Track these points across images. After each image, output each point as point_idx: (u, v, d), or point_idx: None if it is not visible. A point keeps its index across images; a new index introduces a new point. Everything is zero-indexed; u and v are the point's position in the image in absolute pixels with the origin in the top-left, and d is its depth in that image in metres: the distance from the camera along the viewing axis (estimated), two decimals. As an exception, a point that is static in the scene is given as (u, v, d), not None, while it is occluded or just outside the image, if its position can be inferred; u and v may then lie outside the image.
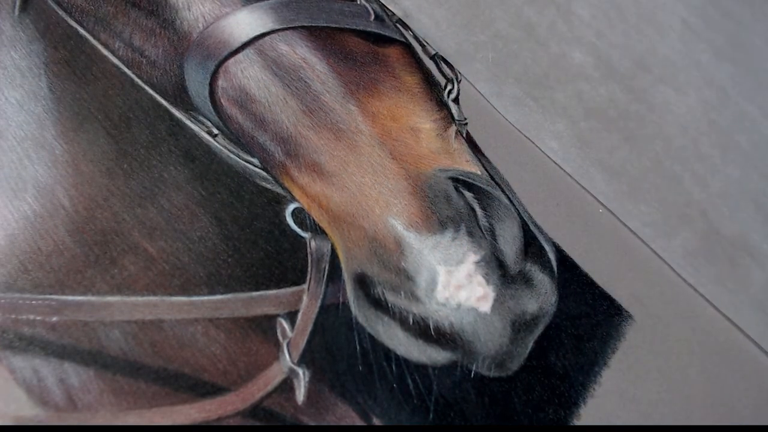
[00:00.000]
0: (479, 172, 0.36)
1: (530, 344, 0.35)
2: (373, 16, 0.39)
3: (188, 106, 0.37)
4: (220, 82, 0.36)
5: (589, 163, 0.38)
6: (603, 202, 0.37)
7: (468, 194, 0.35)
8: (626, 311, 0.36)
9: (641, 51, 0.41)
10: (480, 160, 0.37)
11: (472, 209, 0.35)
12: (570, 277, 0.36)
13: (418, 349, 0.34)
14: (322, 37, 0.36)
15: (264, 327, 0.35)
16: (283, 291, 0.35)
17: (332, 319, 0.35)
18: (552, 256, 0.36)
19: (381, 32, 0.38)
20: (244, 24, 0.35)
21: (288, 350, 0.34)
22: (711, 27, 0.42)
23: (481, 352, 0.34)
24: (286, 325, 0.35)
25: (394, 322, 0.34)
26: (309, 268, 0.35)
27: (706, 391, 0.35)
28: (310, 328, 0.35)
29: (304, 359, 0.34)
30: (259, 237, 0.36)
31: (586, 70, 0.40)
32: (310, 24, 0.36)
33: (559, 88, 0.39)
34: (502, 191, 0.36)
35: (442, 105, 0.38)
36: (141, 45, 0.37)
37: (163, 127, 0.37)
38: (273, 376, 0.34)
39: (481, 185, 0.36)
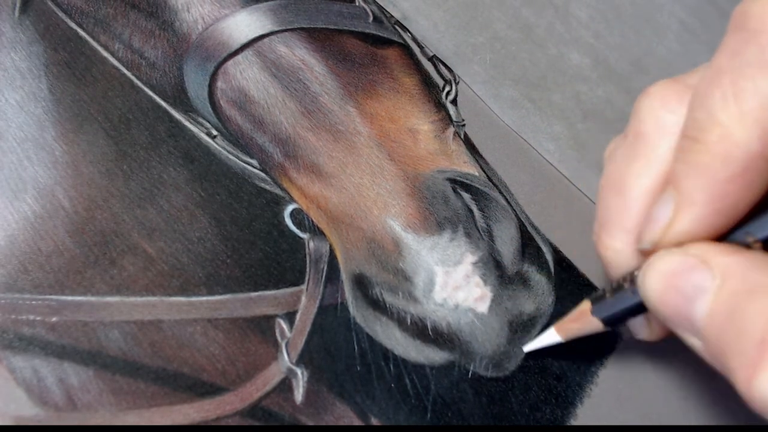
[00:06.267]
0: (477, 174, 0.37)
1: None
2: (371, 18, 0.39)
3: (187, 108, 0.37)
4: (219, 84, 0.36)
5: (585, 165, 0.39)
6: (600, 204, 0.37)
7: (466, 195, 0.35)
8: (623, 311, 0.36)
9: (639, 52, 0.41)
10: (478, 162, 0.38)
11: (470, 210, 0.35)
12: (567, 277, 0.36)
13: (415, 349, 0.34)
14: (321, 38, 0.37)
15: (263, 327, 0.35)
16: (281, 291, 0.35)
17: (331, 319, 0.35)
18: (549, 257, 0.36)
19: (379, 34, 0.38)
20: (243, 26, 0.35)
21: (286, 350, 0.34)
22: (709, 28, 0.42)
23: (478, 352, 0.34)
24: (284, 325, 0.35)
25: (392, 322, 0.34)
26: (307, 269, 0.35)
27: (703, 391, 0.35)
28: (308, 328, 0.35)
29: (303, 359, 0.34)
30: (257, 238, 0.36)
31: (584, 72, 0.40)
32: (308, 26, 0.36)
33: (556, 90, 0.40)
34: (500, 192, 0.37)
35: (440, 106, 0.38)
36: (140, 46, 0.37)
37: (163, 129, 0.37)
38: (271, 376, 0.34)
39: (479, 186, 0.36)
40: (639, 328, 0.31)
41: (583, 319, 0.31)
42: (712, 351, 0.24)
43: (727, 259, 0.23)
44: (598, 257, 0.30)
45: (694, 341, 0.25)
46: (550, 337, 0.32)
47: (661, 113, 0.27)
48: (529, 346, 0.34)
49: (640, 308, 0.28)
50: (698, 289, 0.23)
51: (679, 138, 0.25)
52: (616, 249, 0.29)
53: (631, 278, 0.28)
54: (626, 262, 0.29)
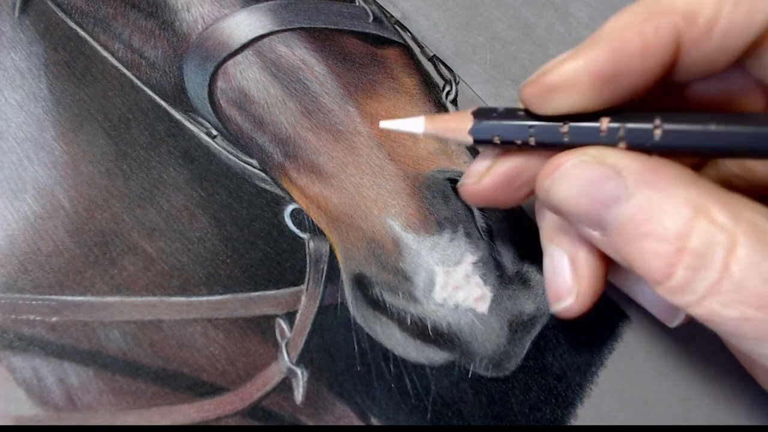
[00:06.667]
0: (477, 174, 0.36)
1: (527, 344, 0.35)
2: (371, 18, 0.39)
3: (187, 108, 0.37)
4: (219, 84, 0.36)
5: (586, 165, 0.38)
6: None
7: (466, 195, 0.35)
8: (623, 311, 0.36)
9: (639, 52, 0.41)
10: (478, 162, 0.37)
11: (470, 210, 0.35)
12: (567, 277, 0.35)
13: (416, 349, 0.34)
14: (321, 38, 0.37)
15: (263, 327, 0.35)
16: (281, 291, 0.35)
17: (330, 319, 0.35)
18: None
19: (379, 34, 0.38)
20: (243, 25, 0.35)
21: (286, 350, 0.34)
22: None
23: (478, 352, 0.34)
24: (284, 325, 0.35)
25: (392, 322, 0.34)
26: (307, 269, 0.35)
27: (702, 392, 0.35)
28: (308, 328, 0.35)
29: (303, 359, 0.34)
30: (257, 238, 0.36)
31: (584, 72, 0.40)
32: (308, 25, 0.36)
33: (556, 90, 0.39)
34: (500, 192, 0.36)
35: (440, 106, 0.38)
36: (140, 46, 0.37)
37: (163, 129, 0.37)
38: (271, 376, 0.34)
39: (479, 186, 0.36)
40: (474, 170, 0.30)
41: (458, 121, 0.28)
42: (621, 248, 0.25)
43: (637, 167, 0.24)
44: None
45: (593, 234, 0.26)
46: (415, 125, 0.29)
47: None
48: (386, 124, 0.30)
49: (515, 144, 0.27)
50: (613, 196, 0.24)
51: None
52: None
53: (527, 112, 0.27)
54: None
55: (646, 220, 0.24)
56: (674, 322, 0.31)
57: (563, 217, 0.27)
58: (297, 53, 0.35)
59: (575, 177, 0.25)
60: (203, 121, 0.37)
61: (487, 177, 0.30)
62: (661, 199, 0.24)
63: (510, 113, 0.27)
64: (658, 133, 0.24)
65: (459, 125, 0.28)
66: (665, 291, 0.24)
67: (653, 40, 0.24)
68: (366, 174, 0.34)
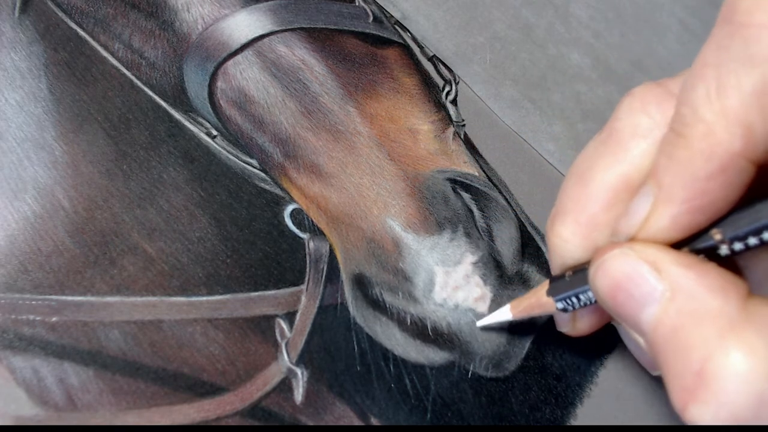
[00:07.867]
0: (477, 174, 0.37)
1: (527, 344, 0.35)
2: (371, 18, 0.39)
3: (187, 108, 0.37)
4: (219, 84, 0.36)
5: (586, 165, 0.38)
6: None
7: (466, 195, 0.35)
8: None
9: (639, 52, 0.41)
10: (478, 162, 0.38)
11: (470, 210, 0.35)
12: (567, 277, 0.35)
13: (415, 349, 0.34)
14: (321, 38, 0.37)
15: (263, 327, 0.35)
16: (281, 291, 0.35)
17: (330, 319, 0.35)
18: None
19: (379, 34, 0.38)
20: (243, 26, 0.35)
21: (286, 350, 0.34)
22: (709, 28, 0.42)
23: (478, 352, 0.34)
24: (284, 325, 0.35)
25: (392, 322, 0.34)
26: (307, 269, 0.35)
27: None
28: (308, 328, 0.35)
29: (303, 359, 0.34)
30: (257, 238, 0.36)
31: (584, 72, 0.40)
32: (308, 26, 0.36)
33: (556, 90, 0.40)
34: (500, 192, 0.37)
35: (440, 106, 0.38)
36: (140, 46, 0.37)
37: (163, 129, 0.37)
38: (271, 376, 0.34)
39: (479, 186, 0.36)
40: (562, 321, 0.31)
41: (539, 300, 0.30)
42: (654, 357, 0.23)
43: (679, 272, 0.23)
44: (546, 242, 0.30)
45: (640, 339, 0.24)
46: (503, 314, 0.32)
47: (638, 115, 0.27)
48: (482, 322, 0.33)
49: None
50: (647, 296, 0.23)
51: (666, 130, 0.24)
52: (564, 238, 0.28)
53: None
54: (572, 253, 0.28)
55: (675, 329, 0.22)
56: (656, 371, 0.31)
57: (608, 311, 0.26)
58: (297, 53, 0.35)
59: (613, 269, 0.24)
60: (203, 121, 0.37)
61: (579, 322, 0.31)
62: (694, 309, 0.22)
63: (581, 276, 0.28)
64: (724, 247, 0.23)
65: (541, 301, 0.30)
66: (683, 419, 0.22)
67: (727, 178, 0.22)
68: (366, 174, 0.34)
